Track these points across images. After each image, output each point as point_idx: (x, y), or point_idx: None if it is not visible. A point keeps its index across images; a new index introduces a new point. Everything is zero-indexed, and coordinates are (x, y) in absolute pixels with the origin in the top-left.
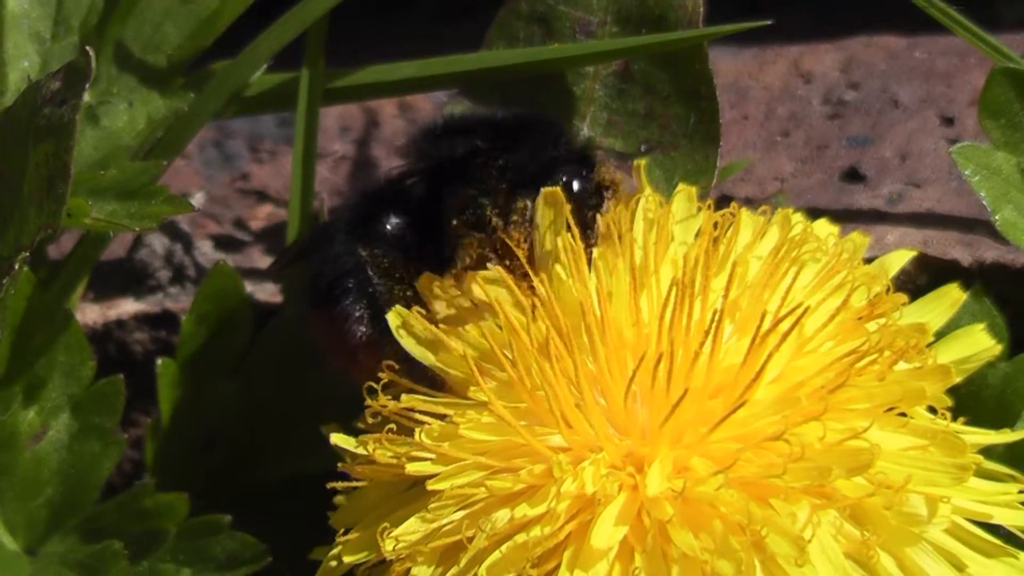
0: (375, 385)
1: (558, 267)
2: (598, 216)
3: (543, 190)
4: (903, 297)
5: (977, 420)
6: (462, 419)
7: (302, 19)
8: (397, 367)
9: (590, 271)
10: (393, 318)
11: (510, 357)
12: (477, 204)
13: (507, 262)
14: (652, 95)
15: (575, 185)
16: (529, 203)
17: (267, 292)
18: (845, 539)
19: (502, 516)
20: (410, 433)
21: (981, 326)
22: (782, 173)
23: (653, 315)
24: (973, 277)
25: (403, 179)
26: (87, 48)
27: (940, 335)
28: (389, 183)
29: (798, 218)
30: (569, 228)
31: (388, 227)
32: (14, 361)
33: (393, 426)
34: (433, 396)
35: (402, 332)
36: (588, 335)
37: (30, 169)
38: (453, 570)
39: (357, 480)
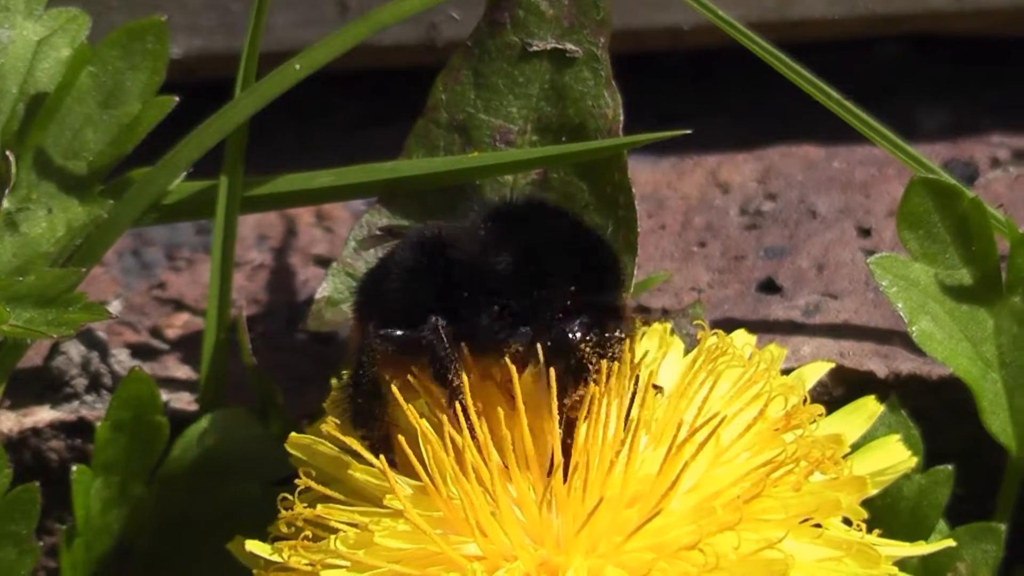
0: (289, 496)
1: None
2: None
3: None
4: (820, 408)
5: (892, 532)
6: (377, 527)
7: (221, 127)
8: (314, 474)
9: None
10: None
11: (425, 465)
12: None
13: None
14: (571, 204)
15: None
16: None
17: (183, 401)
18: None
19: None
20: (325, 540)
21: (897, 438)
22: (699, 284)
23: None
24: (889, 389)
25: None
26: (7, 153)
27: (856, 447)
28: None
29: (715, 331)
30: None
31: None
32: None
33: (308, 533)
34: (349, 503)
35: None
36: (503, 443)
37: None
38: None
39: None
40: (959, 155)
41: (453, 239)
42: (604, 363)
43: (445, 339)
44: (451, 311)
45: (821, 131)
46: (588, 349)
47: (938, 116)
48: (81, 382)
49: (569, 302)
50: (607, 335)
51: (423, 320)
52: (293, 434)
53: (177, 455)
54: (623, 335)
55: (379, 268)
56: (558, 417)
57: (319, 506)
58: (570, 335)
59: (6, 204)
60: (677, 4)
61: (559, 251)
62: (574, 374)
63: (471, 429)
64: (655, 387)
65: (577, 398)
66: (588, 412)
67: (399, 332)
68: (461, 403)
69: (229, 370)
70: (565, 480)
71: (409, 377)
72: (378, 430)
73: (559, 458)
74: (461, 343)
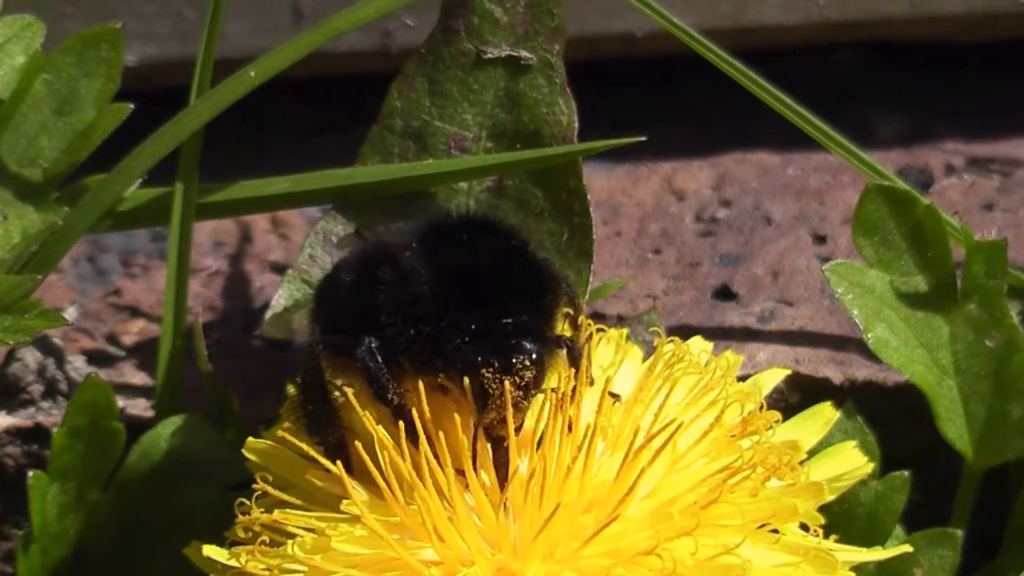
0: (246, 501)
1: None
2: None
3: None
4: (776, 414)
5: (849, 538)
6: (334, 532)
7: (176, 135)
8: (271, 479)
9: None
10: (253, 444)
11: (383, 471)
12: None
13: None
14: (526, 211)
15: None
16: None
17: (139, 407)
18: None
19: None
20: (283, 545)
21: (853, 444)
22: (654, 291)
23: (526, 429)
24: (845, 395)
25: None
26: None
27: (812, 453)
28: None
29: (671, 338)
30: None
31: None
32: None
33: (266, 538)
34: (306, 508)
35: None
36: (460, 449)
37: None
38: None
39: None
40: (914, 162)
41: (390, 255)
42: (509, 387)
43: (379, 359)
44: (382, 329)
45: (776, 138)
46: (489, 375)
47: (893, 123)
48: (37, 388)
49: (474, 326)
50: (515, 361)
51: (365, 329)
52: (250, 439)
53: (133, 461)
54: (538, 360)
55: (330, 275)
56: (481, 434)
57: (276, 511)
58: (470, 361)
59: None
60: (632, 11)
61: (480, 274)
62: (477, 398)
63: (428, 437)
64: (611, 394)
65: (492, 419)
66: (545, 419)
67: (337, 340)
68: (406, 420)
69: (185, 376)
70: (502, 490)
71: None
72: (331, 435)
73: (515, 464)
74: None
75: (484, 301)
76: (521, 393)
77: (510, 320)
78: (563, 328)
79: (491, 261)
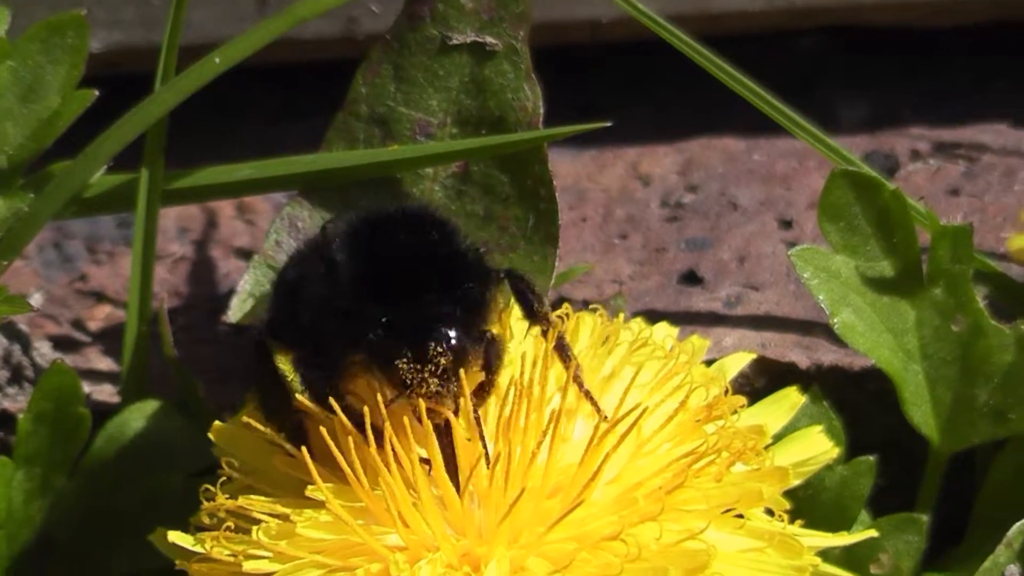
0: (212, 487)
1: None
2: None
3: None
4: (741, 399)
5: (815, 523)
6: (299, 518)
7: (141, 121)
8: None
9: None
10: (219, 429)
11: (347, 457)
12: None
13: None
14: (491, 196)
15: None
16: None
17: (105, 393)
18: None
19: None
20: (248, 531)
21: (819, 429)
22: (620, 276)
23: (490, 414)
24: (811, 380)
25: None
26: None
27: (778, 438)
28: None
29: (636, 321)
30: None
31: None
32: None
33: (231, 524)
34: (271, 494)
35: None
36: (424, 434)
37: None
38: None
39: None
40: (880, 147)
41: (322, 248)
42: (427, 377)
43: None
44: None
45: (741, 123)
46: (404, 365)
47: (859, 109)
48: (3, 374)
49: (387, 318)
50: (429, 349)
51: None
52: (216, 423)
53: (99, 447)
54: (455, 347)
55: (283, 265)
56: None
57: (241, 497)
58: (385, 351)
59: None
60: None
61: (398, 265)
62: (397, 389)
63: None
64: (575, 378)
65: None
66: (510, 403)
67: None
68: (354, 421)
69: (151, 362)
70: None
71: None
72: (289, 421)
73: (480, 449)
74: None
75: (401, 292)
76: (437, 381)
77: (426, 310)
78: (504, 321)
79: (413, 253)
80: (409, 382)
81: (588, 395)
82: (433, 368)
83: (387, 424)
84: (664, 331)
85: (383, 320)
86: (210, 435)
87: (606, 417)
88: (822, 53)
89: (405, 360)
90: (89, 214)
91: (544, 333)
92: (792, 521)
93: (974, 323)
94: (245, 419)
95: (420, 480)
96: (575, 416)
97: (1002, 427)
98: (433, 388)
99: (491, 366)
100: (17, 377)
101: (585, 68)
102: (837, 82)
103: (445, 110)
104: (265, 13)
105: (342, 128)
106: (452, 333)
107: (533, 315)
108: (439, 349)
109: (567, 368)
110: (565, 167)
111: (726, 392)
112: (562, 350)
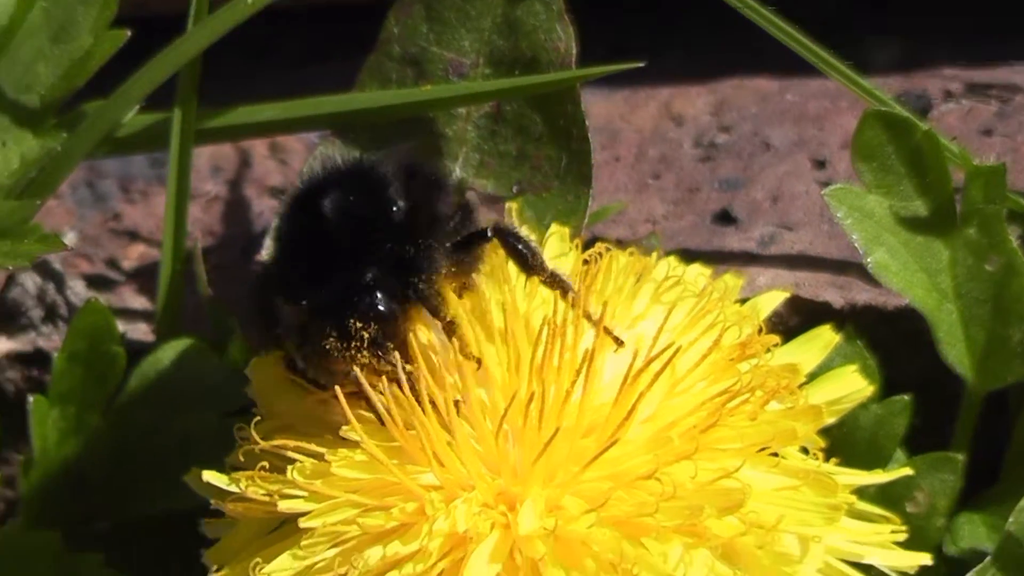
0: (246, 425)
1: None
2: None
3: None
4: (775, 338)
5: (849, 462)
6: (335, 457)
7: (174, 60)
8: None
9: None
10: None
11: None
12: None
13: None
14: (524, 136)
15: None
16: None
17: (139, 331)
18: None
19: (374, 554)
20: (283, 471)
21: (853, 367)
22: (654, 215)
23: (525, 353)
24: (845, 319)
25: None
26: None
27: (812, 377)
28: None
29: (670, 260)
30: None
31: None
32: None
33: (266, 463)
34: (305, 435)
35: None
36: (460, 374)
37: None
38: None
39: (229, 517)
40: (912, 88)
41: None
42: (355, 353)
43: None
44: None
45: (774, 64)
46: (332, 344)
47: (891, 49)
48: (37, 313)
49: (307, 300)
50: (351, 330)
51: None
52: (255, 360)
53: (133, 385)
54: (380, 314)
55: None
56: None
57: (277, 436)
58: (312, 336)
59: None
60: None
61: (305, 252)
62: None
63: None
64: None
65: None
66: (545, 342)
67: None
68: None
69: (185, 301)
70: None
71: None
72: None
73: (517, 388)
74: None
75: (314, 275)
76: (368, 352)
77: (339, 286)
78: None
79: (320, 231)
80: (344, 359)
81: (588, 316)
82: (359, 343)
83: (420, 363)
84: (697, 270)
85: (307, 303)
86: (247, 372)
87: (621, 341)
88: None
89: (332, 340)
90: (122, 153)
91: (544, 283)
92: (827, 459)
93: (1008, 263)
94: (279, 359)
95: (454, 419)
96: (609, 356)
97: None
98: (365, 360)
99: (436, 311)
100: (51, 316)
101: (618, 9)
102: (869, 23)
103: (478, 50)
104: None
105: (375, 68)
106: (368, 302)
107: (529, 268)
108: (358, 324)
109: (565, 299)
110: (598, 107)
111: (760, 331)
112: (558, 284)
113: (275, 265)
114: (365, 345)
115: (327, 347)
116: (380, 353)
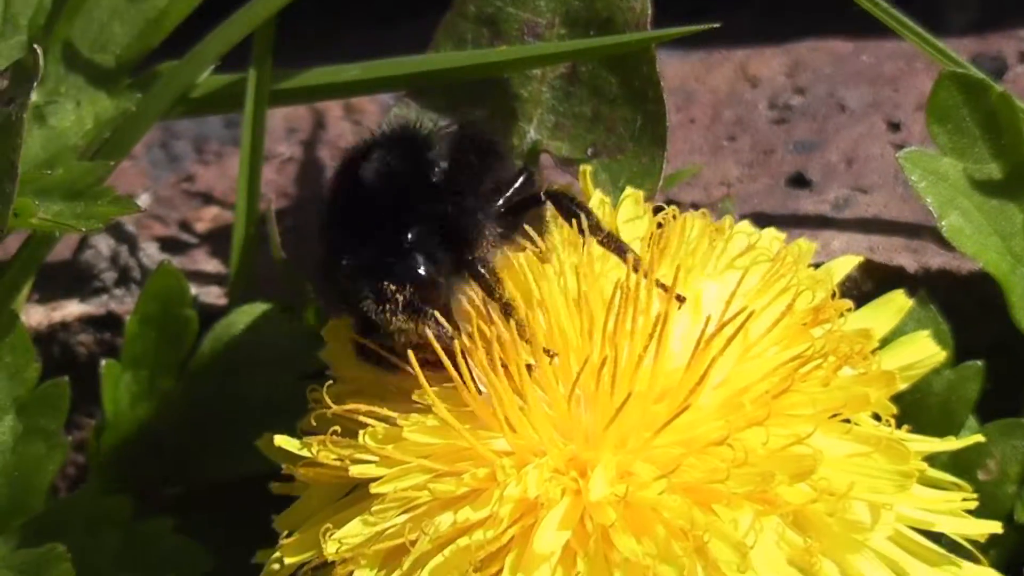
0: (319, 388)
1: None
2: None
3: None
4: (848, 303)
5: (921, 428)
6: (406, 422)
7: (249, 20)
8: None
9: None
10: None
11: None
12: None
13: None
14: (599, 97)
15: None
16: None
17: (212, 295)
18: (788, 545)
19: (445, 519)
20: (354, 435)
21: (926, 333)
22: (728, 178)
23: (598, 318)
24: (919, 284)
25: None
26: (35, 47)
27: (885, 342)
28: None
29: (744, 224)
30: None
31: None
32: None
33: (337, 428)
34: (377, 399)
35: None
36: (532, 338)
37: None
38: (396, 573)
39: (301, 482)
40: (987, 50)
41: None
42: (389, 316)
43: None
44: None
45: (849, 25)
46: (371, 307)
47: (967, 11)
48: (110, 276)
49: (347, 261)
50: (387, 292)
51: None
52: (330, 323)
53: (206, 349)
54: (421, 278)
55: None
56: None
57: (349, 401)
58: (351, 299)
59: (35, 97)
60: None
61: (357, 206)
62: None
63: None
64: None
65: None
66: (618, 307)
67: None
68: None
69: (258, 264)
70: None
71: None
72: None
73: (589, 353)
74: None
75: (358, 236)
76: (404, 317)
77: (380, 249)
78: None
79: (366, 194)
80: (379, 322)
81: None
82: (393, 306)
83: (495, 329)
84: (771, 235)
85: (344, 265)
86: (323, 334)
87: (683, 299)
88: None
89: (369, 300)
90: (197, 114)
91: (602, 243)
92: (899, 426)
93: None
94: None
95: (526, 384)
96: (681, 320)
97: None
98: (400, 324)
99: (492, 292)
100: (124, 279)
101: None
102: None
103: (553, 11)
104: None
105: (450, 29)
106: (406, 265)
107: (585, 231)
108: (392, 287)
109: (625, 262)
110: (673, 69)
111: (833, 296)
112: (615, 246)
113: (326, 228)
114: (400, 308)
115: (364, 309)
116: (415, 319)
